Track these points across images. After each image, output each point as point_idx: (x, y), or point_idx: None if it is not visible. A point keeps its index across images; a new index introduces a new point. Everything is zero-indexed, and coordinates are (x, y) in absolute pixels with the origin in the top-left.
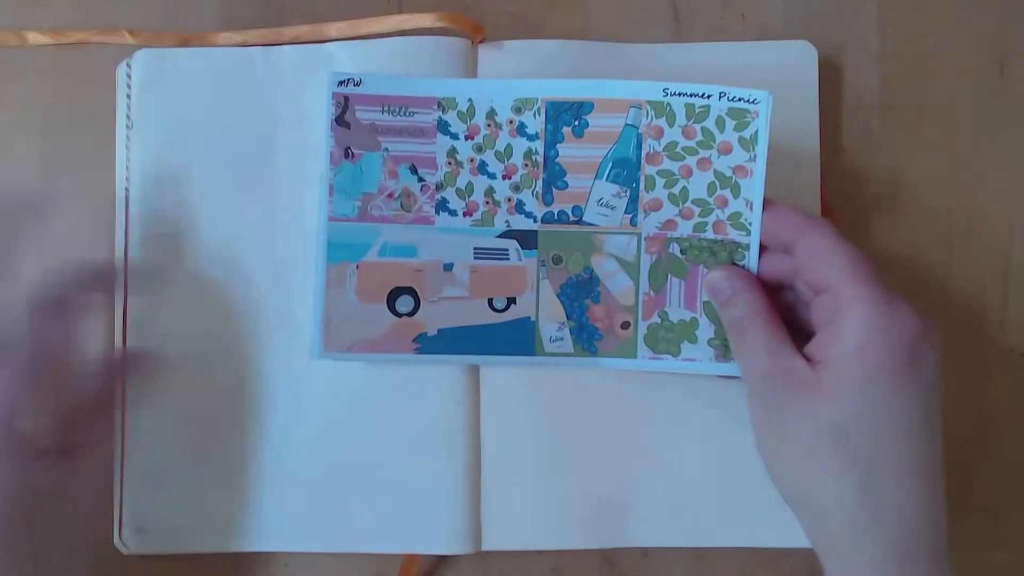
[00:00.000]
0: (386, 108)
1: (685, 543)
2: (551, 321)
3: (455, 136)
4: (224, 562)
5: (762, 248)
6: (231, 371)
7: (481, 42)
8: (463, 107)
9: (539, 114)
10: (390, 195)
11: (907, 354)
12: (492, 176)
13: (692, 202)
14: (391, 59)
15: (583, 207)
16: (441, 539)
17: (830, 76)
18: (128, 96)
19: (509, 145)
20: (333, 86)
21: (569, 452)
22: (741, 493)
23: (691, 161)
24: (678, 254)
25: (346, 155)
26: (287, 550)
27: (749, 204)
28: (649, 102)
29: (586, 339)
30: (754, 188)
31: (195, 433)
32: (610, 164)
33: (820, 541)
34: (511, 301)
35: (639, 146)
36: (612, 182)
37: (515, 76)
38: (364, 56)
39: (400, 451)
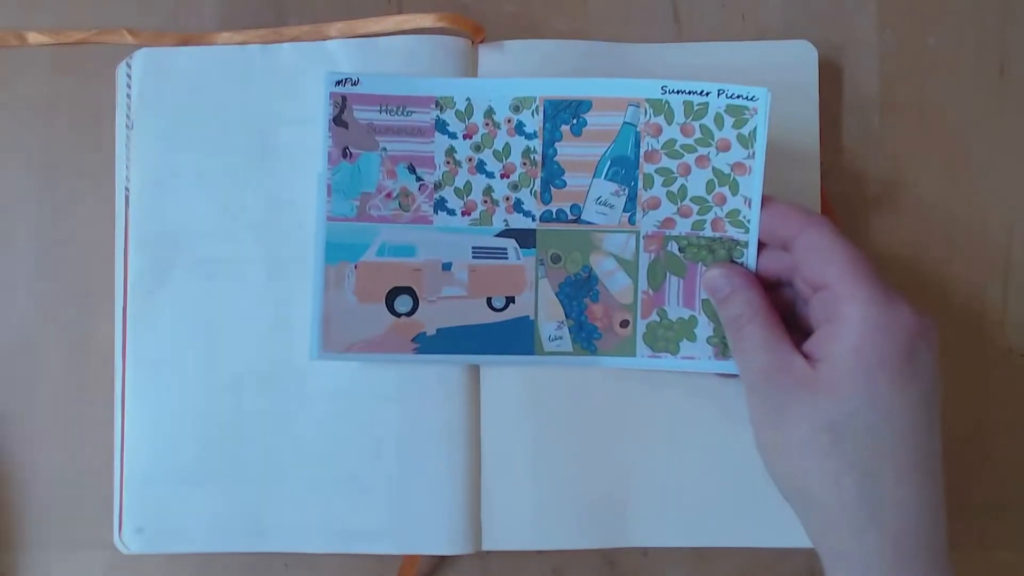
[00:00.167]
0: (384, 108)
1: (685, 543)
2: (550, 320)
3: (453, 135)
4: (224, 562)
5: (761, 245)
6: (231, 371)
7: (481, 42)
8: (461, 106)
9: (537, 113)
10: (388, 195)
11: (906, 352)
12: (490, 175)
13: (690, 200)
14: (391, 59)
15: (581, 206)
16: (441, 539)
17: (830, 76)
18: (128, 96)
19: (507, 144)
20: (331, 86)
21: (569, 452)
22: (741, 493)
23: (690, 159)
24: (677, 252)
25: (344, 155)
26: (287, 550)
27: (748, 201)
28: (647, 100)
29: (585, 338)
30: (753, 185)
31: (195, 433)
32: (608, 162)
33: (819, 539)
34: (510, 300)
35: (637, 144)
36: (610, 180)
37: (515, 76)
38: (364, 55)
39: (400, 451)
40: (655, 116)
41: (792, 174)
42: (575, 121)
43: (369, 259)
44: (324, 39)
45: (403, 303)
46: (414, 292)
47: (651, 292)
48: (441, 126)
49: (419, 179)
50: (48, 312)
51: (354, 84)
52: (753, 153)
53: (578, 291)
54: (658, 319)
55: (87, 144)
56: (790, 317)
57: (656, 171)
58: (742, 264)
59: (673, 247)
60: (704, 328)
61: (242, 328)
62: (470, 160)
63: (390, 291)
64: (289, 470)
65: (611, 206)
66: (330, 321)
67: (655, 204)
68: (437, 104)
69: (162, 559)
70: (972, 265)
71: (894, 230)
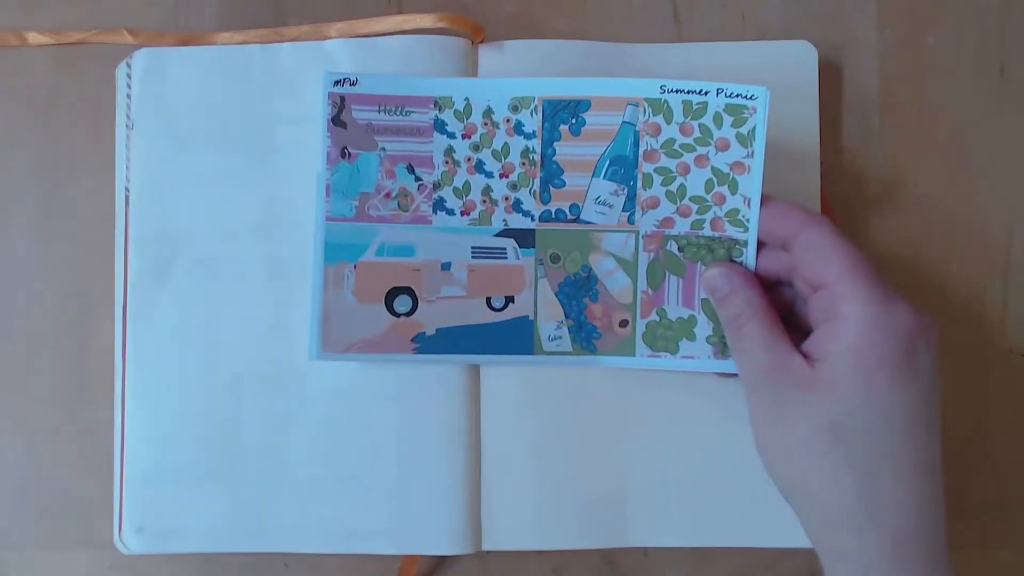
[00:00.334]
0: (382, 108)
1: (685, 543)
2: (549, 320)
3: (452, 135)
4: (224, 562)
5: (760, 245)
6: (230, 371)
7: (481, 42)
8: (460, 106)
9: (536, 112)
10: (387, 195)
11: (905, 351)
12: (489, 175)
13: (690, 199)
14: (390, 59)
15: (581, 205)
16: (441, 539)
17: (830, 76)
18: (128, 96)
19: (506, 144)
20: (329, 86)
21: (569, 452)
22: (741, 493)
23: (689, 158)
24: (676, 252)
25: (343, 155)
26: (287, 550)
27: (747, 201)
28: (646, 99)
29: (584, 337)
30: (752, 184)
31: (195, 433)
32: (607, 162)
33: (819, 538)
34: (509, 300)
35: (636, 144)
36: (609, 180)
37: (515, 76)
38: (363, 55)
39: (400, 451)
40: (654, 115)
41: (792, 174)
42: (574, 121)
43: (368, 259)
44: (324, 39)
45: (402, 303)
46: (413, 292)
47: (650, 292)
48: (440, 126)
49: (418, 179)
50: (48, 312)
51: (353, 84)
52: (752, 152)
53: (577, 291)
54: (657, 319)
55: (87, 144)
56: (789, 317)
57: (655, 170)
58: (741, 263)
59: (672, 246)
60: (703, 327)
61: (242, 328)
62: (469, 160)
63: (389, 291)
64: (289, 470)
65: (610, 206)
66: (329, 321)
67: (654, 203)
68: (436, 104)
69: (162, 559)
70: (972, 265)
71: (894, 230)
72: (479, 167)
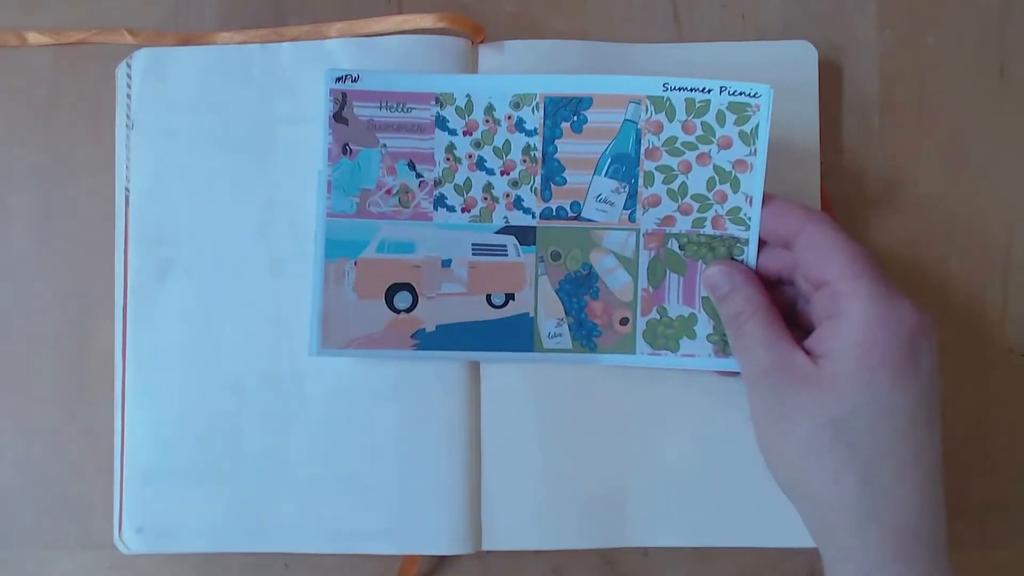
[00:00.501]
0: (384, 104)
1: (685, 543)
2: (550, 317)
3: (453, 132)
4: (224, 562)
5: (761, 243)
6: (230, 371)
7: (481, 42)
8: (461, 103)
9: (537, 109)
10: (388, 191)
11: (908, 349)
12: (490, 172)
13: (691, 198)
14: (391, 59)
15: (582, 203)
16: (441, 539)
17: (830, 76)
18: (128, 96)
19: (507, 141)
20: (331, 82)
21: (569, 451)
22: (741, 493)
23: (690, 156)
24: (677, 250)
25: (344, 151)
26: (287, 550)
27: (748, 199)
28: (648, 97)
29: (585, 335)
30: (754, 183)
31: (195, 433)
32: (609, 160)
33: (821, 536)
34: (509, 297)
35: (638, 141)
36: (611, 178)
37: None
38: (363, 55)
39: (400, 450)
40: (656, 113)
41: (792, 174)
42: (575, 118)
43: (369, 255)
44: (324, 39)
45: (402, 299)
46: (413, 288)
47: (651, 290)
48: (441, 123)
49: (419, 176)
50: (48, 312)
51: (354, 81)
52: (755, 150)
53: (578, 288)
54: (658, 317)
55: (87, 144)
56: (791, 315)
57: (657, 168)
58: (742, 262)
59: (673, 245)
60: (704, 326)
61: (242, 328)
62: (470, 157)
63: (389, 287)
64: (289, 470)
65: (611, 203)
66: (329, 317)
67: (655, 202)
68: (437, 100)
69: (162, 559)
70: (972, 265)
71: (894, 230)
72: (480, 164)
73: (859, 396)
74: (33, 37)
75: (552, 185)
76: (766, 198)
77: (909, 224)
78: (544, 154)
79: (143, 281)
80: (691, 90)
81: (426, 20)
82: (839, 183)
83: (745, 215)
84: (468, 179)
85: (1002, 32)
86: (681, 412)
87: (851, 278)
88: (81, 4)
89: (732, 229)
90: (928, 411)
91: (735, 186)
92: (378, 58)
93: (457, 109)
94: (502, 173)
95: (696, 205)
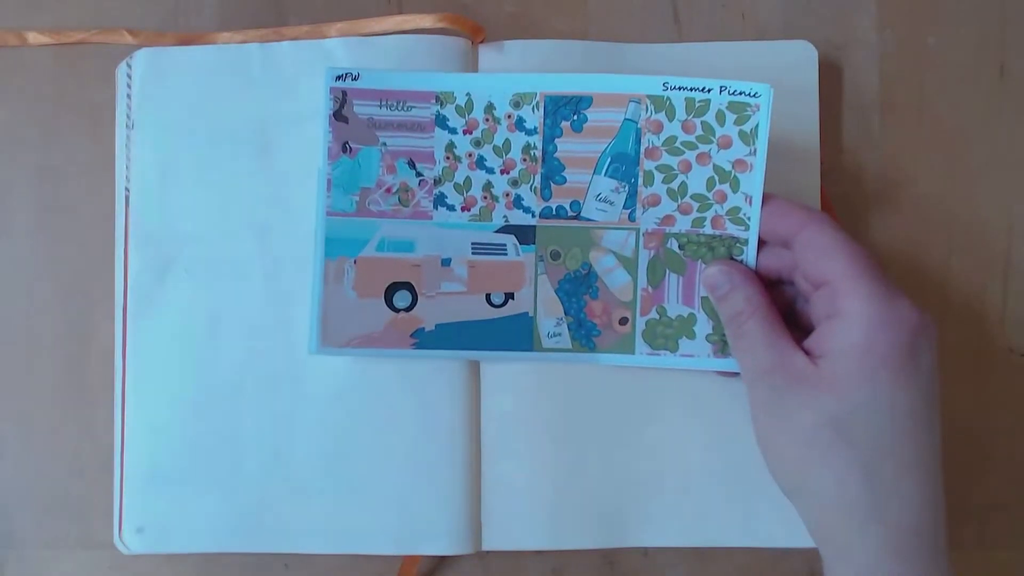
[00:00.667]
0: (384, 103)
1: (685, 543)
2: (549, 316)
3: (453, 131)
4: (224, 562)
5: (761, 243)
6: (230, 371)
7: (481, 42)
8: (461, 101)
9: (537, 108)
10: (388, 190)
11: (908, 348)
12: (490, 171)
13: (691, 197)
14: (390, 58)
15: (581, 202)
16: (441, 539)
17: (830, 76)
18: (128, 96)
19: (507, 140)
20: (331, 81)
21: (569, 451)
22: (741, 493)
23: (690, 156)
24: (676, 249)
25: (344, 150)
26: (287, 550)
27: (748, 199)
28: (648, 96)
29: (584, 335)
30: (754, 182)
31: (195, 432)
32: (608, 159)
33: (821, 535)
34: (509, 296)
35: (638, 141)
36: (610, 177)
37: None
38: (363, 54)
39: (400, 450)
40: (656, 113)
41: (792, 174)
42: (575, 117)
43: (368, 254)
44: (324, 39)
45: (402, 298)
46: (413, 287)
47: (650, 289)
48: (441, 121)
49: (419, 174)
50: (48, 312)
51: (354, 79)
52: (755, 150)
53: (577, 288)
54: (657, 316)
55: (87, 144)
56: (790, 315)
57: (656, 168)
58: (742, 261)
59: (673, 244)
60: (703, 326)
61: (242, 328)
62: (470, 156)
63: (389, 286)
64: (289, 470)
65: (611, 203)
66: (329, 316)
67: (655, 201)
68: (437, 99)
69: (162, 559)
70: (972, 265)
71: (894, 230)
72: (480, 163)
73: (859, 396)
74: (33, 37)
75: (552, 184)
76: (766, 198)
77: (909, 224)
78: (544, 153)
79: (143, 281)
80: (691, 89)
81: (426, 20)
82: (839, 183)
83: (745, 215)
84: (468, 178)
85: (1002, 32)
86: (680, 412)
87: (851, 278)
88: (81, 4)
89: (732, 229)
90: (928, 410)
91: (735, 186)
92: (378, 58)
93: (457, 108)
94: (502, 172)
95: (696, 205)
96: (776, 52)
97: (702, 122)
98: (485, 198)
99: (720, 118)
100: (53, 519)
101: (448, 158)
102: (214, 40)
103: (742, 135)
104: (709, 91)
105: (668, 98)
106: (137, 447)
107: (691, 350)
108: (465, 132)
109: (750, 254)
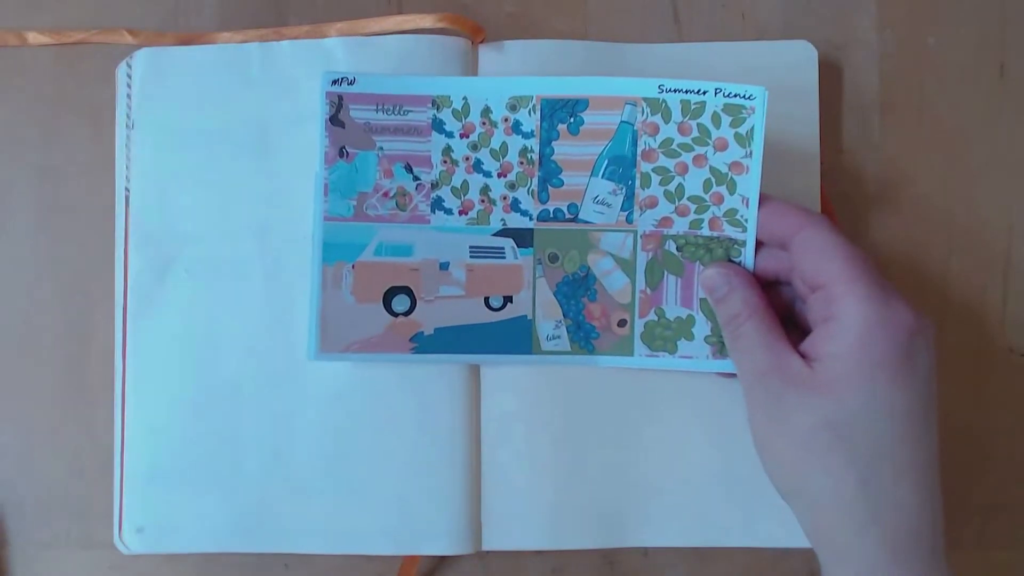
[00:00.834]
0: (380, 107)
1: (686, 543)
2: (548, 319)
3: (450, 134)
4: (224, 562)
5: (758, 244)
6: (230, 371)
7: (481, 42)
8: (458, 105)
9: (534, 111)
10: (385, 194)
11: (904, 351)
12: (487, 174)
13: (688, 199)
14: (390, 59)
15: (579, 205)
16: (441, 539)
17: (830, 76)
18: (128, 96)
19: (504, 143)
20: (327, 85)
21: (569, 452)
22: (741, 493)
23: (687, 158)
24: (674, 251)
25: (341, 154)
26: (287, 550)
27: (745, 200)
28: (645, 99)
29: (583, 337)
30: (750, 184)
31: (195, 432)
32: (606, 161)
33: (818, 538)
34: (507, 300)
35: (635, 143)
36: (608, 179)
37: (514, 76)
38: (363, 54)
39: (400, 451)
40: (652, 115)
41: (792, 174)
42: (572, 120)
43: (366, 259)
44: (324, 39)
45: (400, 303)
46: (411, 292)
47: (649, 291)
48: (438, 125)
49: (416, 178)
50: (48, 312)
51: (350, 83)
52: (751, 152)
53: (576, 290)
54: (656, 318)
55: (87, 144)
56: (788, 316)
57: (653, 170)
58: (739, 263)
59: (671, 246)
60: (702, 327)
61: (242, 328)
62: (467, 159)
63: (387, 291)
64: (289, 470)
65: (608, 205)
66: (328, 321)
67: (652, 203)
68: (434, 103)
69: (162, 559)
70: (972, 265)
71: (894, 230)
72: (477, 166)
73: (856, 398)
74: (33, 37)
75: (549, 187)
76: (763, 199)
77: (909, 224)
78: (541, 156)
79: (143, 281)
80: (686, 92)
81: (426, 20)
82: (839, 183)
83: (742, 217)
84: (465, 181)
85: (1002, 32)
86: (680, 413)
87: (847, 280)
88: (81, 4)
89: (729, 231)
90: (925, 412)
91: (731, 188)
92: (378, 58)
93: (454, 111)
94: (499, 175)
95: (693, 207)
96: (776, 52)
97: (698, 124)
98: (483, 201)
99: (716, 120)
100: (53, 519)
101: (445, 162)
102: (214, 40)
103: (738, 137)
104: (704, 93)
105: (664, 100)
106: (137, 447)
107: (690, 351)
108: (462, 136)
109: (748, 256)
